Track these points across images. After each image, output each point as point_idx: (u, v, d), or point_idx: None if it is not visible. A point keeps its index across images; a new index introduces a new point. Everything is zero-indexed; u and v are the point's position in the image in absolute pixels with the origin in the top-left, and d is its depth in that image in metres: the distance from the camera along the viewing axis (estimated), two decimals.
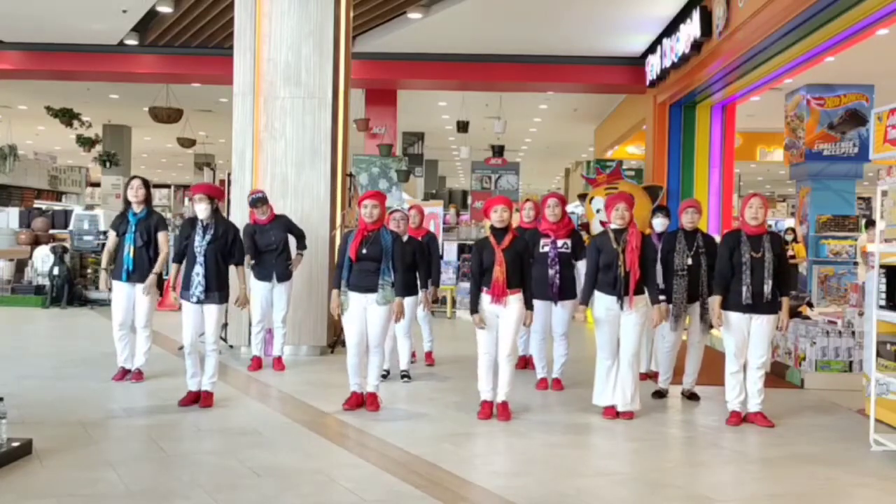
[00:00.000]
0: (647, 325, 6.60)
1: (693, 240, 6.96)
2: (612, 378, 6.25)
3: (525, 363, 8.10)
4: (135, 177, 7.39)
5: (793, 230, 14.64)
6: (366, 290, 6.25)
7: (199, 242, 6.36)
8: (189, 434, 5.69)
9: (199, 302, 6.36)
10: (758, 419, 6.14)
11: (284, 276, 8.09)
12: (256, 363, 8.07)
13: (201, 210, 6.41)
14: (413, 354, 8.04)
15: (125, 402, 6.53)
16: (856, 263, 12.59)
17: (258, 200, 8.01)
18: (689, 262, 6.88)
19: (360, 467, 4.95)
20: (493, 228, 6.24)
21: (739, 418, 6.18)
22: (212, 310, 6.40)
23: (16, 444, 4.84)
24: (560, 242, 7.27)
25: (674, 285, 6.89)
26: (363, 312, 6.29)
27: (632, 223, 6.21)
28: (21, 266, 14.13)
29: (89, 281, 14.03)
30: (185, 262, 6.47)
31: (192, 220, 6.51)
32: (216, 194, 6.64)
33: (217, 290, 6.40)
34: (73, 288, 13.64)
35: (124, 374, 7.32)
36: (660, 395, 7.15)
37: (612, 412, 6.24)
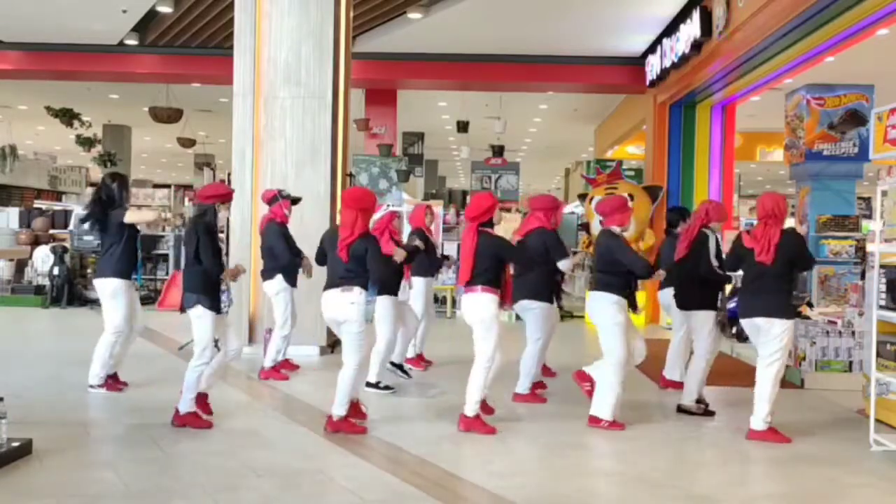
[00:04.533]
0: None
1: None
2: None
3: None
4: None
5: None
6: None
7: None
8: (189, 434, 5.67)
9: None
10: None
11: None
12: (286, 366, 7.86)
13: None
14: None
15: (125, 403, 6.53)
16: (856, 263, 12.59)
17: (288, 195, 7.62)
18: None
19: (360, 467, 4.95)
20: None
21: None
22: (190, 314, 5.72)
23: (16, 444, 4.85)
24: None
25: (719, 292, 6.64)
26: None
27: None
28: (21, 266, 14.13)
29: (89, 281, 14.01)
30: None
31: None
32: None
33: (189, 291, 5.68)
34: (73, 288, 13.63)
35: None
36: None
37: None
